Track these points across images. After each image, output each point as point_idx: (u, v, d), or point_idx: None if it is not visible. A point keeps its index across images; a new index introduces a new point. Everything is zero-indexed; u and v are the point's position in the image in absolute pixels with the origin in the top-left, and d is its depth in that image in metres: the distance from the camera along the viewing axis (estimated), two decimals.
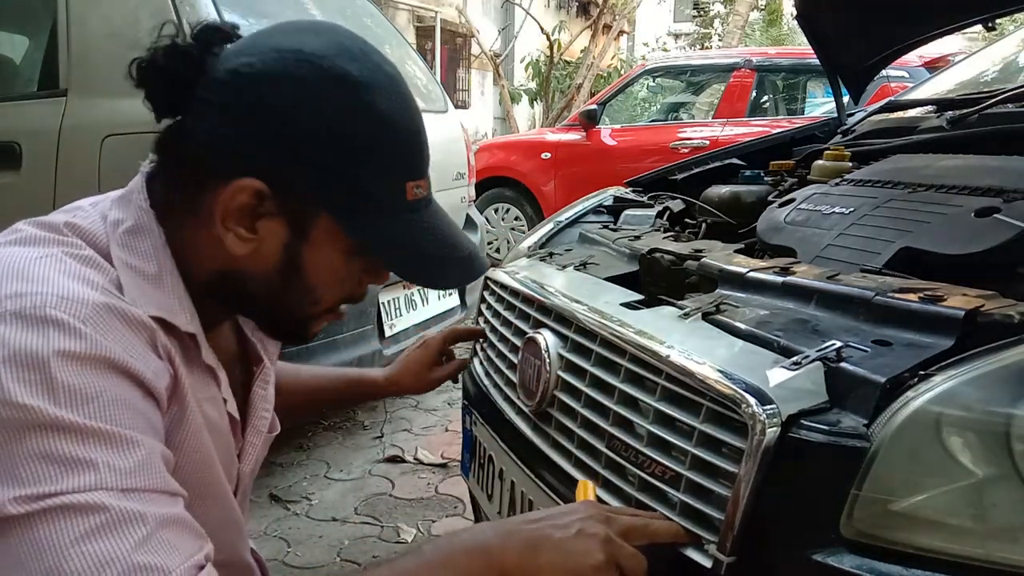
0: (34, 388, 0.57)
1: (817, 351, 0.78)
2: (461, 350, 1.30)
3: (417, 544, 0.73)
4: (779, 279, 0.97)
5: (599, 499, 0.88)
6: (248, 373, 0.89)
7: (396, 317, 2.56)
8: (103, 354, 0.61)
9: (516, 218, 5.81)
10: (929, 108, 1.69)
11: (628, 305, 1.05)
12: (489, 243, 5.61)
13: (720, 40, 14.24)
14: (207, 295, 0.75)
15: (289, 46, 0.69)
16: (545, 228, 1.64)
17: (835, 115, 1.93)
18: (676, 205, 1.59)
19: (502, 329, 1.30)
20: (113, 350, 0.61)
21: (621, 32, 13.88)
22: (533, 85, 12.78)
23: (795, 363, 0.78)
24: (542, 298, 1.17)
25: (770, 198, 1.43)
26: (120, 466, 0.58)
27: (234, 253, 0.71)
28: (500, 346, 1.30)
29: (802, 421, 0.73)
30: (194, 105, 0.70)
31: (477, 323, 1.47)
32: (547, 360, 1.07)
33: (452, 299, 2.89)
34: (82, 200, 0.77)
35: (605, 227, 1.54)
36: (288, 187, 0.70)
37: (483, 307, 1.43)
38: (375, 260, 0.76)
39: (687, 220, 1.56)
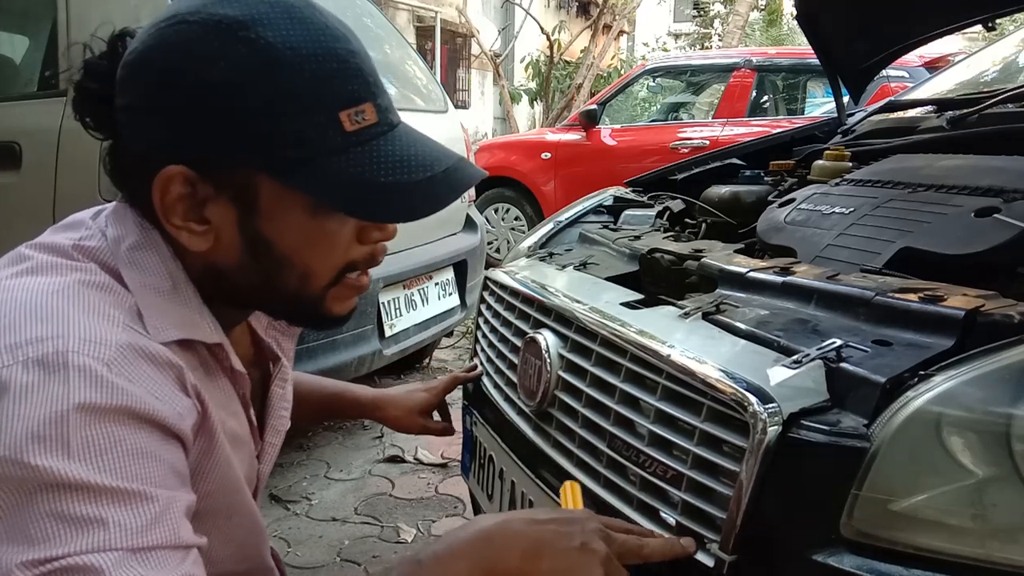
0: (50, 446, 0.55)
1: (817, 350, 0.78)
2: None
3: (415, 551, 0.72)
4: (779, 279, 0.97)
5: (585, 503, 0.89)
6: (265, 373, 0.87)
7: (396, 317, 2.56)
8: (124, 403, 0.58)
9: (516, 218, 5.81)
10: (929, 108, 1.69)
11: (628, 305, 1.05)
12: (489, 243, 5.60)
13: (720, 40, 14.25)
14: (213, 300, 0.72)
15: (164, 16, 0.65)
16: (545, 228, 1.64)
17: (835, 115, 1.93)
18: (676, 205, 1.59)
19: (502, 329, 1.30)
20: (135, 396, 0.59)
21: (621, 32, 13.88)
22: (533, 85, 12.78)
23: (796, 362, 0.78)
24: (542, 298, 1.17)
25: (770, 198, 1.43)
26: (131, 524, 0.57)
27: (195, 250, 0.67)
28: (500, 346, 1.30)
29: (803, 421, 0.73)
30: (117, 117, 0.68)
31: (477, 323, 1.47)
32: (547, 360, 1.07)
33: (452, 299, 2.89)
34: (80, 214, 0.73)
35: (605, 227, 1.54)
36: (211, 162, 0.64)
37: (483, 307, 1.43)
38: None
39: (687, 220, 1.56)
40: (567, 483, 0.88)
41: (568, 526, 0.71)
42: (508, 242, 5.72)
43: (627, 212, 1.61)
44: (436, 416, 1.24)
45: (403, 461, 2.55)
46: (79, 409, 0.56)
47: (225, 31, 0.62)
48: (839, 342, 0.79)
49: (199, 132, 0.64)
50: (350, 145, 0.65)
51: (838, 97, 1.92)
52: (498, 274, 1.37)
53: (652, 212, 1.59)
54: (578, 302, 1.08)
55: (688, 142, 5.03)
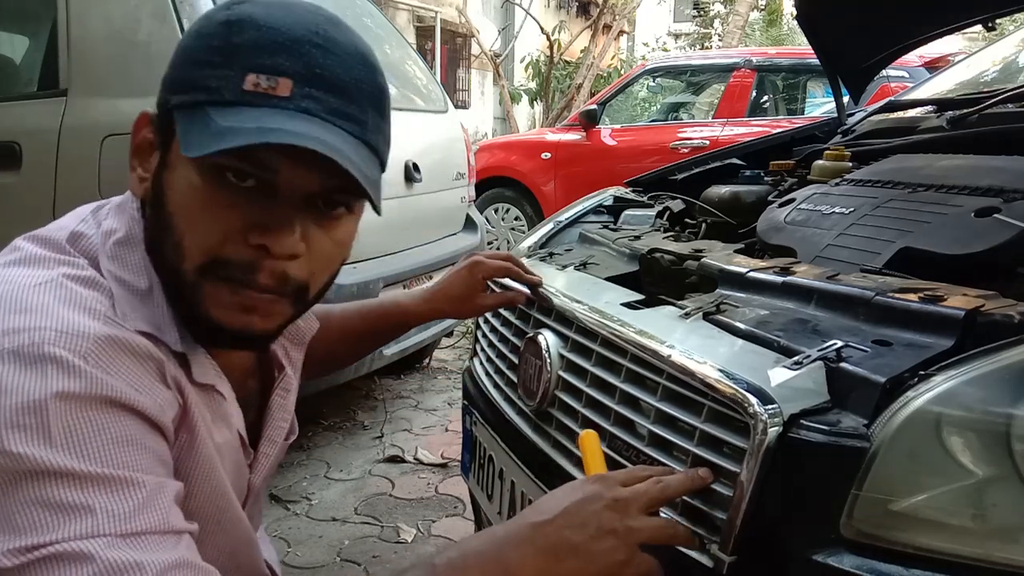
0: (30, 434, 0.55)
1: (818, 351, 0.78)
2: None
3: (428, 556, 0.70)
4: (779, 279, 0.97)
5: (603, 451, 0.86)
6: (268, 381, 0.86)
7: None
8: (103, 392, 0.58)
9: (516, 218, 5.81)
10: (929, 108, 1.69)
11: (628, 305, 1.05)
12: (489, 243, 5.61)
13: (720, 40, 14.26)
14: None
15: None
16: (545, 228, 1.64)
17: (835, 115, 1.93)
18: (676, 205, 1.59)
19: (502, 329, 1.30)
20: (114, 386, 0.59)
21: (621, 32, 13.88)
22: (533, 85, 12.79)
23: (796, 363, 0.78)
24: (542, 298, 1.17)
25: (770, 198, 1.43)
26: (119, 510, 0.56)
27: (133, 192, 0.70)
28: (500, 346, 1.30)
29: (803, 421, 0.73)
30: None
31: (477, 324, 1.47)
32: (548, 360, 1.07)
33: None
34: (86, 206, 0.74)
35: (605, 227, 1.54)
36: (159, 104, 0.68)
37: None
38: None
39: (687, 220, 1.56)
40: (583, 435, 0.84)
41: (578, 512, 0.69)
42: (508, 242, 5.72)
43: (627, 212, 1.61)
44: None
45: (403, 461, 2.55)
46: (58, 397, 0.56)
47: (228, 4, 0.67)
48: (839, 342, 0.79)
49: (165, 82, 0.68)
50: (239, 103, 0.62)
51: (838, 97, 1.92)
52: None
53: (652, 212, 1.59)
54: (578, 302, 1.08)
55: (688, 142, 5.03)
